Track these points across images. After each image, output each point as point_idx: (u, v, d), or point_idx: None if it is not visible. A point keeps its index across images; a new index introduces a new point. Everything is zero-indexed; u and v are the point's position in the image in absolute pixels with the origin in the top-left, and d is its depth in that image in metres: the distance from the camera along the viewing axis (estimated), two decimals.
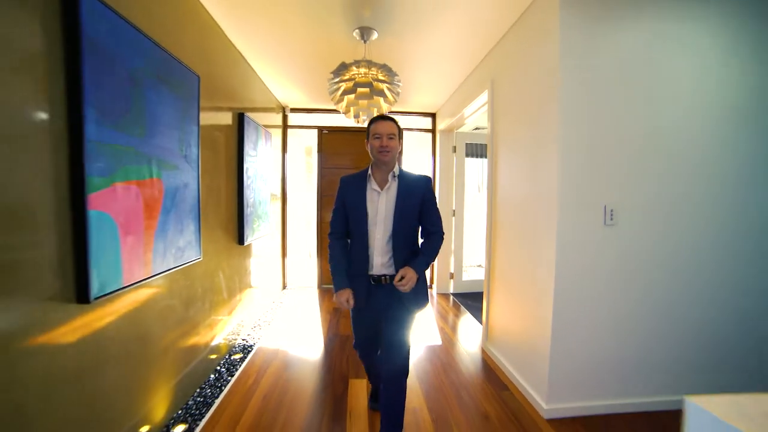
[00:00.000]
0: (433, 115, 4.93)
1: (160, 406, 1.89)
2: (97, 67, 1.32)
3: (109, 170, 1.40)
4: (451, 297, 4.69)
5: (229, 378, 2.49)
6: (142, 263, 1.63)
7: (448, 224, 4.73)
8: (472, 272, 5.77)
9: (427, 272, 4.61)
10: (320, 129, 4.87)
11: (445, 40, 2.81)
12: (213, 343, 2.58)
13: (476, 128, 5.25)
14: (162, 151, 1.78)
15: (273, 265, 4.43)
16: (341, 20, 2.51)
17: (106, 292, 1.40)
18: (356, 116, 2.64)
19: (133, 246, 1.56)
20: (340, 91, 2.53)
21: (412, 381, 2.48)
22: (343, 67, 2.50)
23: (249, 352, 2.91)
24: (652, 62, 2.01)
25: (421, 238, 1.82)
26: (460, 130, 4.63)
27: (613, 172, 2.01)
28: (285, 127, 4.81)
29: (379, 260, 1.71)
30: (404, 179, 1.75)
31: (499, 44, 2.75)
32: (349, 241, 1.85)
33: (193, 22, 2.23)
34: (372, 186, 1.75)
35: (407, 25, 2.57)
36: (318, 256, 5.07)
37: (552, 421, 2.03)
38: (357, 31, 2.62)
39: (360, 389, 2.38)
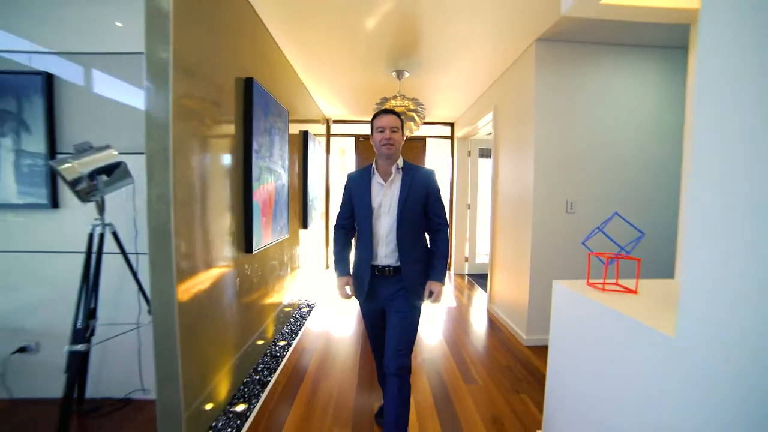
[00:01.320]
0: (451, 125, 5.84)
1: (269, 328, 2.94)
2: (256, 120, 2.36)
3: (258, 178, 2.44)
4: (466, 276, 5.62)
5: (303, 322, 3.53)
6: (267, 235, 2.67)
7: (464, 217, 5.65)
8: (485, 257, 6.66)
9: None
10: (357, 137, 5.87)
11: (458, 78, 3.74)
12: (289, 298, 3.63)
13: (489, 133, 6.11)
14: (274, 164, 2.82)
15: (319, 249, 5.48)
16: (383, 66, 3.49)
17: (257, 248, 2.44)
18: None
19: (264, 223, 2.60)
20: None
21: (437, 327, 3.46)
22: (384, 100, 3.48)
23: (312, 308, 3.96)
24: (599, 100, 2.89)
25: (427, 231, 1.84)
26: (474, 137, 5.52)
27: (573, 176, 2.91)
28: (328, 135, 5.83)
29: (383, 251, 1.71)
30: (408, 172, 1.75)
31: (499, 80, 3.66)
32: (355, 232, 1.88)
33: (285, 73, 3.26)
34: (377, 179, 1.75)
35: (431, 68, 3.52)
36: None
37: (529, 347, 2.97)
38: (394, 72, 3.59)
39: None
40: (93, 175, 1.62)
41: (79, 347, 1.58)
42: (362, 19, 2.62)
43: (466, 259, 5.76)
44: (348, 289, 1.79)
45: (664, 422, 1.03)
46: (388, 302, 1.73)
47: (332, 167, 6.08)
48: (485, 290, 4.72)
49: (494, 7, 2.41)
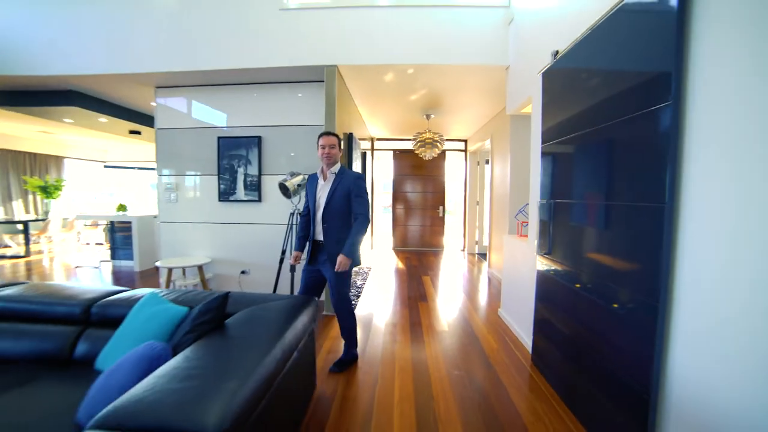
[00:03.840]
0: (465, 141, 7.76)
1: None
2: (352, 154, 4.39)
3: None
4: (476, 255, 7.53)
5: (368, 275, 5.56)
6: None
7: (474, 211, 7.56)
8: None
9: (461, 238, 7.60)
10: (395, 150, 7.87)
11: (467, 117, 5.68)
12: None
13: None
14: None
15: (366, 235, 7.50)
16: (417, 112, 5.46)
17: None
18: (423, 155, 5.60)
19: None
20: (417, 144, 5.50)
21: (457, 284, 5.41)
22: (419, 134, 5.46)
23: (370, 270, 5.98)
24: None
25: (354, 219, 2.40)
26: (482, 150, 7.41)
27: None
28: (372, 150, 7.85)
29: (317, 230, 2.39)
30: (341, 176, 2.38)
31: (493, 119, 5.57)
32: None
33: (357, 118, 5.28)
34: (320, 180, 2.43)
35: (448, 112, 5.47)
36: (392, 229, 8.10)
37: None
38: (424, 115, 5.56)
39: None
40: (296, 185, 3.67)
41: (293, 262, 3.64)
42: (407, 94, 4.61)
43: (476, 242, 7.67)
44: (292, 258, 2.58)
45: (529, 280, 3.00)
46: (322, 265, 2.44)
47: (372, 171, 8.08)
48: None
49: (481, 90, 4.35)
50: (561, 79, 2.36)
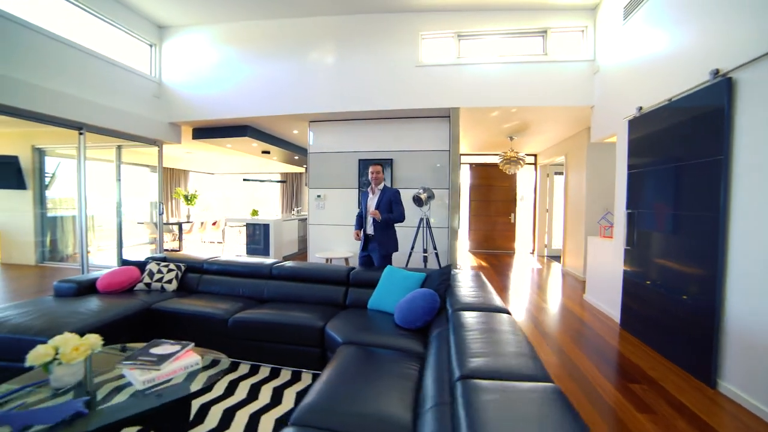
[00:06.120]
0: (535, 155, 8.71)
1: None
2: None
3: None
4: (546, 256, 8.43)
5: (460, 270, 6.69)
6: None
7: (544, 217, 8.48)
8: (558, 244, 9.32)
9: (530, 242, 8.66)
10: (471, 164, 8.98)
11: (545, 136, 6.70)
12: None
13: (561, 164, 8.80)
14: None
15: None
16: (503, 134, 6.55)
17: (459, 227, 5.65)
18: (508, 170, 6.67)
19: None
20: (503, 161, 6.59)
21: (536, 275, 6.42)
22: (504, 153, 6.54)
23: (461, 267, 7.10)
24: None
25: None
26: (551, 164, 8.33)
27: (605, 197, 5.71)
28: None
29: (368, 226, 3.57)
30: (384, 191, 3.53)
31: (568, 139, 6.54)
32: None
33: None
34: (370, 194, 3.62)
35: (529, 135, 6.52)
36: (468, 233, 9.17)
37: (582, 281, 5.82)
38: (508, 137, 6.64)
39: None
40: (428, 197, 4.88)
41: (425, 254, 4.87)
42: (502, 123, 5.73)
43: (546, 246, 8.57)
44: (355, 234, 3.70)
45: (613, 271, 4.02)
46: (372, 251, 3.57)
47: None
48: (559, 261, 7.54)
49: (563, 119, 5.38)
50: (642, 127, 3.39)
